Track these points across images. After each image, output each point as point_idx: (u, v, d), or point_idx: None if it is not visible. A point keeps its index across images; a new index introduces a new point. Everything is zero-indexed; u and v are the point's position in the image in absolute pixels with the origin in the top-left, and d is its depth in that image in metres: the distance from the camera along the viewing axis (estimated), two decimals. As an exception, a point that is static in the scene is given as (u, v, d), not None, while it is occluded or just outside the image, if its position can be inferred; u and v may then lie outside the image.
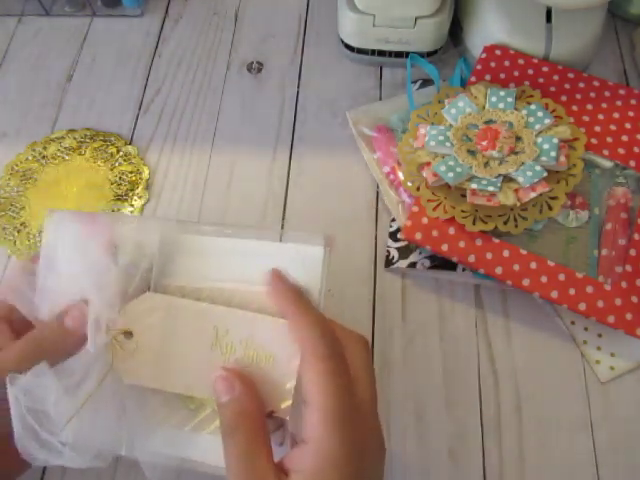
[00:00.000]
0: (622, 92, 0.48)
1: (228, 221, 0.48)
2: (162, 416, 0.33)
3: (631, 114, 0.47)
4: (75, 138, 0.52)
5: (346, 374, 0.30)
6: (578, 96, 0.48)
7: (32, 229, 0.48)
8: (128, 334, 0.31)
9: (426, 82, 0.52)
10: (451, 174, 0.42)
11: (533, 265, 0.41)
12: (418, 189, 0.44)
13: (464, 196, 0.42)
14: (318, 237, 0.33)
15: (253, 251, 0.33)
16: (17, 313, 0.33)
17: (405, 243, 0.45)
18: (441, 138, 0.44)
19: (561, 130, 0.44)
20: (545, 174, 0.42)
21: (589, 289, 0.41)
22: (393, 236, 0.46)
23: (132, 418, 0.32)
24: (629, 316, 0.40)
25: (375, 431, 0.31)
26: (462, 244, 0.42)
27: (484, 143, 0.43)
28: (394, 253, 0.45)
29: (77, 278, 0.31)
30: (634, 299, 0.40)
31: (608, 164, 0.45)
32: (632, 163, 0.45)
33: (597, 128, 0.46)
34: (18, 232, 0.48)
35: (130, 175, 0.50)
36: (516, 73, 0.49)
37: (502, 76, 0.49)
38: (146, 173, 0.50)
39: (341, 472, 0.28)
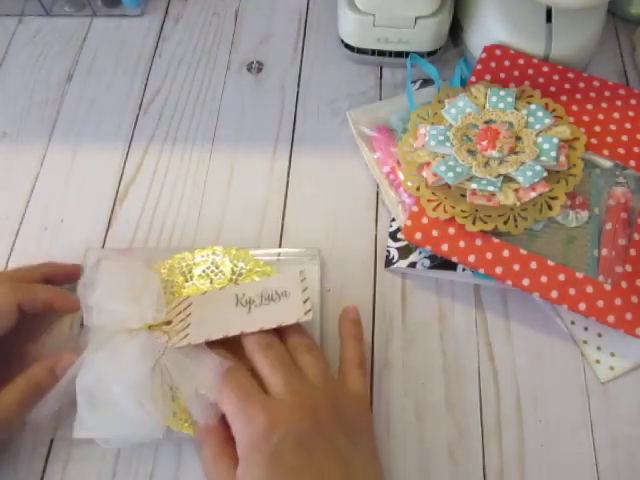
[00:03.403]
0: (622, 92, 0.48)
1: (228, 221, 0.48)
2: None
3: (631, 114, 0.47)
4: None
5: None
6: (578, 96, 0.48)
7: None
8: (168, 323, 0.40)
9: (426, 82, 0.52)
10: (451, 174, 0.42)
11: (533, 265, 0.41)
12: (418, 189, 0.44)
13: (464, 196, 0.42)
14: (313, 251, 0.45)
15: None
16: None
17: (405, 243, 0.45)
18: (441, 138, 0.44)
19: (561, 130, 0.44)
20: (545, 174, 0.42)
21: (589, 289, 0.41)
22: (393, 236, 0.46)
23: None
24: (629, 316, 0.40)
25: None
26: (462, 244, 0.42)
27: (484, 143, 0.43)
28: (394, 253, 0.45)
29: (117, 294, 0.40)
30: (634, 299, 0.40)
31: (608, 164, 0.45)
32: (632, 163, 0.45)
33: (597, 128, 0.46)
34: None
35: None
36: (516, 73, 0.49)
37: (502, 76, 0.49)
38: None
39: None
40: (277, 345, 0.38)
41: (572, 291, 0.40)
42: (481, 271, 0.41)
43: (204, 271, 0.44)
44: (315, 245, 0.46)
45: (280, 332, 0.39)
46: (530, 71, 0.49)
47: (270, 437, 0.33)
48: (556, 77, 0.49)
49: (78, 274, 0.44)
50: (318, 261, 0.45)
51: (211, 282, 0.43)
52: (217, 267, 0.44)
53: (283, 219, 0.48)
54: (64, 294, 0.41)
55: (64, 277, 0.43)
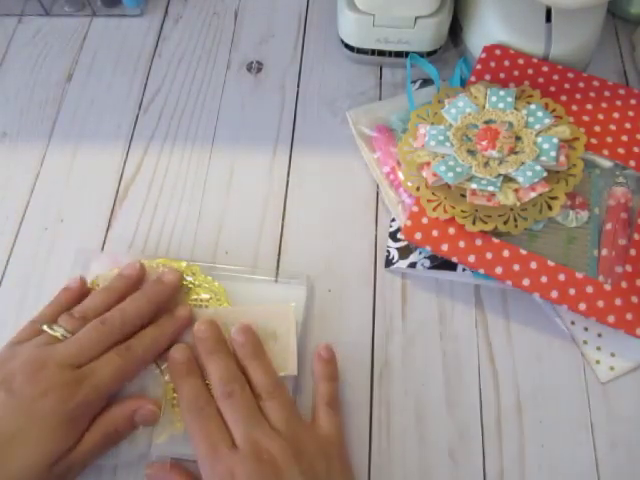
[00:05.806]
0: (622, 92, 0.48)
1: (228, 221, 0.48)
2: None
3: (631, 114, 0.47)
4: None
5: None
6: (578, 96, 0.48)
7: None
8: None
9: (426, 82, 0.52)
10: (451, 174, 0.42)
11: (533, 265, 0.41)
12: (418, 189, 0.44)
13: (464, 196, 0.42)
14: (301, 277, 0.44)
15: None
16: None
17: (405, 243, 0.45)
18: (441, 138, 0.44)
19: (561, 130, 0.44)
20: (545, 174, 0.42)
21: (589, 289, 0.41)
22: (393, 236, 0.46)
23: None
24: (629, 316, 0.40)
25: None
26: (462, 244, 0.42)
27: (484, 143, 0.43)
28: (394, 253, 0.45)
29: None
30: (634, 299, 0.40)
31: (608, 164, 0.45)
32: (632, 163, 0.45)
33: (597, 128, 0.46)
34: None
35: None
36: (516, 73, 0.49)
37: (502, 76, 0.49)
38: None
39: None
40: (240, 392, 0.37)
41: (572, 291, 0.40)
42: (481, 271, 0.41)
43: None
44: (314, 245, 0.47)
45: (244, 368, 0.39)
46: (530, 71, 0.49)
47: None
48: (556, 77, 0.49)
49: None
50: (305, 289, 0.44)
51: None
52: None
53: (283, 219, 0.48)
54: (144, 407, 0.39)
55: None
